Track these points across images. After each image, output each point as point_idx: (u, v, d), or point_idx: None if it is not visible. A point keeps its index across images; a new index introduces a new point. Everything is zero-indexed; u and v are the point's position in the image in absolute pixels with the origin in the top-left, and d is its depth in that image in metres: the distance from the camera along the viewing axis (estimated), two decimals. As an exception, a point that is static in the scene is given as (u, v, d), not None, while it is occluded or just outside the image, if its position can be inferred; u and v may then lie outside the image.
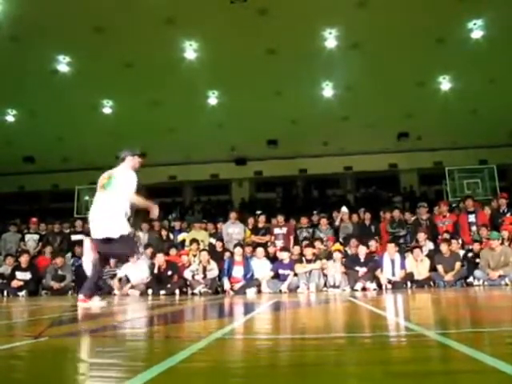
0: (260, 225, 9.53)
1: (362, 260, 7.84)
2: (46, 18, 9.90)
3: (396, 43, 10.82)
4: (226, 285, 7.74)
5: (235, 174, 16.98)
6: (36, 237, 10.27)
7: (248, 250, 8.54)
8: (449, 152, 15.42)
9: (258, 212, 10.23)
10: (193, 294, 7.69)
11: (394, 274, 7.74)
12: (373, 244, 8.46)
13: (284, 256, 7.94)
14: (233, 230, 9.27)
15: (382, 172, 16.60)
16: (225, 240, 9.16)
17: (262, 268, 8.00)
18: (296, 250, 8.23)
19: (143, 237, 10.01)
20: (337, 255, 7.89)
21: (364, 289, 7.46)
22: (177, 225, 10.44)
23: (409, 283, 7.71)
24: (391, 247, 7.93)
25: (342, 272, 7.77)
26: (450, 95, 12.80)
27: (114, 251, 4.57)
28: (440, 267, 7.70)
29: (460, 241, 8.49)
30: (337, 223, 9.70)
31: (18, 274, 8.40)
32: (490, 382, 1.06)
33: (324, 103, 13.18)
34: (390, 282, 7.65)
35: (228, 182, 17.46)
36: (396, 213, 9.56)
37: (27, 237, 10.26)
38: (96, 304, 4.37)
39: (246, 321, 2.80)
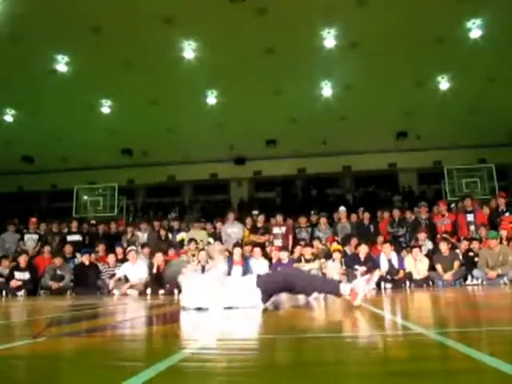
0: (259, 224, 9.54)
1: (362, 259, 7.85)
2: (45, 17, 9.88)
3: (395, 42, 10.81)
4: (225, 284, 7.71)
5: (234, 174, 16.98)
6: (35, 237, 10.26)
7: (247, 249, 8.53)
8: (448, 151, 15.42)
9: (255, 212, 10.24)
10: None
11: (392, 274, 7.74)
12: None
13: (283, 255, 7.94)
14: (232, 230, 9.28)
15: (380, 171, 16.60)
16: (224, 240, 9.17)
17: (260, 268, 7.98)
18: (297, 249, 8.22)
19: (142, 236, 10.02)
20: (336, 255, 7.89)
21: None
22: (176, 224, 10.44)
23: (407, 282, 7.71)
24: (386, 247, 7.95)
25: (341, 272, 7.77)
26: (448, 94, 12.79)
27: None
28: (439, 266, 7.71)
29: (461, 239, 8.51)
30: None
31: (17, 274, 8.39)
32: (488, 380, 1.06)
33: (323, 102, 13.16)
34: (389, 280, 7.66)
35: (227, 182, 17.45)
36: (396, 212, 9.57)
37: (26, 237, 10.25)
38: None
39: (245, 320, 2.80)
